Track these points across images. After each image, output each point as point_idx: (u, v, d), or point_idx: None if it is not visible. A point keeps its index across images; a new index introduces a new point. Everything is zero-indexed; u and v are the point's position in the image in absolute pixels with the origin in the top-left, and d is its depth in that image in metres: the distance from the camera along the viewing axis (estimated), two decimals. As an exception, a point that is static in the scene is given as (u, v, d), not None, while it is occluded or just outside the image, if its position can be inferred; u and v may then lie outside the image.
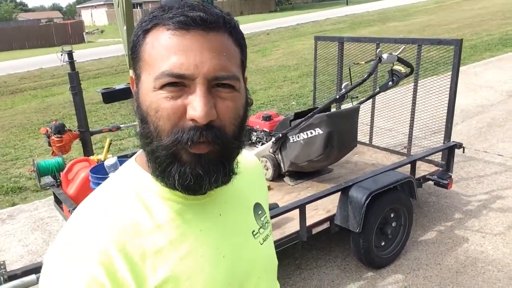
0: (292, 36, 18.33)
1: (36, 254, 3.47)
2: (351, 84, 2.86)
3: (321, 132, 3.06)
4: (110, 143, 3.09)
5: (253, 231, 0.80)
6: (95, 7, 49.30)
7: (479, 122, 5.75)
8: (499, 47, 11.05)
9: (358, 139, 3.61)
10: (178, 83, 0.61)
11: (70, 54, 3.22)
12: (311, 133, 3.09)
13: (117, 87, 2.43)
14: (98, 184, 2.73)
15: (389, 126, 4.39)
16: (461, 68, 4.20)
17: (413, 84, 3.66)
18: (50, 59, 14.00)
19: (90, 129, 3.41)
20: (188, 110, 0.61)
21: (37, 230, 3.87)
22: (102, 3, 47.47)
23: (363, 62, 2.99)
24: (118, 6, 2.05)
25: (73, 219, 0.68)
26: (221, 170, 0.66)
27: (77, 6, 67.58)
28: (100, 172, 2.76)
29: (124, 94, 2.35)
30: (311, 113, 3.10)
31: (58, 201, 3.34)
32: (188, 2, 0.65)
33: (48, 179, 3.14)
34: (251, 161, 0.91)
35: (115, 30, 36.84)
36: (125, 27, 2.04)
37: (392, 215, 2.99)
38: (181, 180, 0.64)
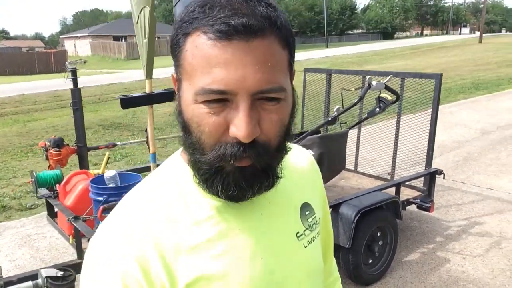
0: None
1: (24, 269, 3.44)
2: (343, 108, 3.07)
3: (313, 153, 3.22)
4: (108, 158, 3.17)
5: (297, 232, 0.75)
6: (78, 38, 49.63)
7: (455, 156, 6.06)
8: (472, 90, 11.70)
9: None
10: (220, 99, 0.58)
11: (74, 71, 3.34)
12: (303, 154, 3.25)
13: (134, 94, 2.55)
14: (98, 194, 2.80)
15: (373, 157, 4.61)
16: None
17: (395, 119, 3.91)
18: (32, 86, 14.00)
19: (88, 145, 3.49)
20: (230, 127, 0.59)
21: (24, 246, 3.83)
22: (86, 34, 47.89)
23: (353, 89, 3.21)
24: (137, 23, 2.22)
25: (115, 210, 0.69)
26: (264, 180, 0.64)
27: (60, 36, 67.87)
28: (99, 184, 2.84)
29: (141, 101, 2.47)
30: (303, 135, 3.28)
31: (51, 214, 3.36)
32: (230, 1, 0.59)
33: (44, 191, 3.18)
34: (302, 158, 0.86)
35: (98, 61, 37.10)
36: (145, 40, 2.20)
37: (379, 234, 3.13)
38: (224, 191, 0.63)
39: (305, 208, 0.79)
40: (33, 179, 3.05)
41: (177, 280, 0.63)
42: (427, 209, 3.55)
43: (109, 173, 2.88)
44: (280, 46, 0.61)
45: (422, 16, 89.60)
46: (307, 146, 3.24)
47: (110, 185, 2.86)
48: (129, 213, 0.67)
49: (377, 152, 4.51)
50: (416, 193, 3.75)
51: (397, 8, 75.26)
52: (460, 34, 76.48)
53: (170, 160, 0.74)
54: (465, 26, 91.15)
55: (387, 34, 70.06)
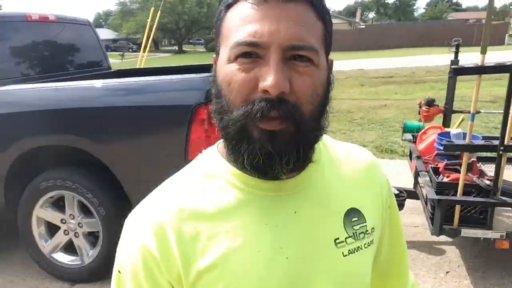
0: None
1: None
2: None
3: None
4: (462, 120, 3.67)
5: (337, 238, 0.69)
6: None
7: None
8: None
9: None
10: (252, 54, 0.58)
11: (457, 46, 3.98)
12: None
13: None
14: (440, 144, 3.47)
15: None
16: None
17: None
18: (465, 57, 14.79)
19: (454, 109, 4.10)
20: (260, 83, 0.58)
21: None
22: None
23: None
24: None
25: (152, 193, 0.72)
26: (294, 152, 0.60)
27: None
28: (445, 137, 3.47)
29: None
30: None
31: (410, 155, 4.29)
32: None
33: (408, 136, 4.12)
34: (359, 158, 0.79)
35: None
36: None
37: None
38: (250, 158, 0.60)
39: (352, 213, 0.72)
40: (401, 125, 4.04)
41: (193, 264, 0.63)
42: None
43: (455, 131, 3.45)
44: (314, 15, 0.61)
45: None
46: None
47: (454, 139, 3.45)
48: (159, 195, 0.70)
49: None
50: None
51: None
52: None
53: (206, 152, 0.74)
54: None
55: None
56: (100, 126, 2.59)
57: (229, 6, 0.63)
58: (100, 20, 79.68)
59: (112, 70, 4.40)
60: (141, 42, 6.13)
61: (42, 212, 2.85)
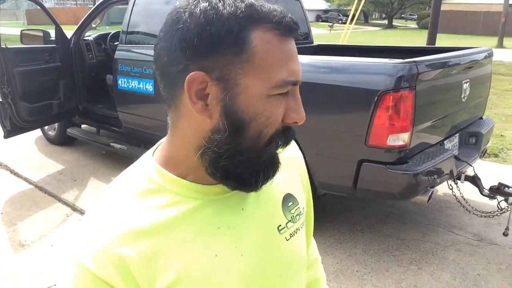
0: None
1: None
2: None
3: None
4: None
5: (279, 226, 0.73)
6: None
7: None
8: None
9: None
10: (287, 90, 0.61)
11: None
12: None
13: None
14: None
15: None
16: None
17: None
18: None
19: None
20: (289, 114, 0.62)
21: None
22: None
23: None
24: None
25: (88, 216, 0.66)
26: (277, 168, 0.67)
27: None
28: None
29: None
30: None
31: None
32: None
33: None
34: (289, 150, 0.80)
35: None
36: None
37: None
38: (257, 180, 0.64)
39: (288, 199, 0.77)
40: None
41: (154, 284, 0.61)
42: None
43: None
44: None
45: None
46: None
47: None
48: (105, 222, 0.63)
49: None
50: None
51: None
52: None
53: (142, 165, 0.70)
54: None
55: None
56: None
57: (251, 24, 0.58)
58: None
59: (313, 45, 4.65)
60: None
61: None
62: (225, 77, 0.59)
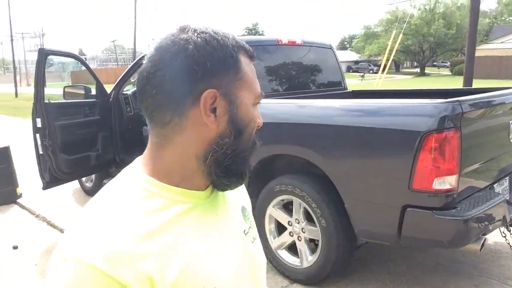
0: None
1: None
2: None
3: None
4: None
5: (244, 230, 0.85)
6: None
7: None
8: None
9: None
10: None
11: None
12: None
13: None
14: None
15: None
16: None
17: None
18: None
19: None
20: (255, 120, 0.78)
21: None
22: None
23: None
24: None
25: (85, 222, 0.69)
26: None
27: None
28: None
29: None
30: None
31: None
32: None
33: None
34: None
35: None
36: None
37: None
38: (243, 176, 0.78)
39: (244, 210, 0.90)
40: None
41: (166, 278, 0.66)
42: None
43: None
44: None
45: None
46: None
47: None
48: (116, 225, 0.67)
49: None
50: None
51: None
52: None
53: (131, 176, 0.75)
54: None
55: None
56: (331, 142, 2.77)
57: (239, 50, 0.74)
58: (345, 43, 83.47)
59: (347, 90, 4.63)
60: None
61: (274, 211, 3.17)
62: (229, 92, 0.72)
